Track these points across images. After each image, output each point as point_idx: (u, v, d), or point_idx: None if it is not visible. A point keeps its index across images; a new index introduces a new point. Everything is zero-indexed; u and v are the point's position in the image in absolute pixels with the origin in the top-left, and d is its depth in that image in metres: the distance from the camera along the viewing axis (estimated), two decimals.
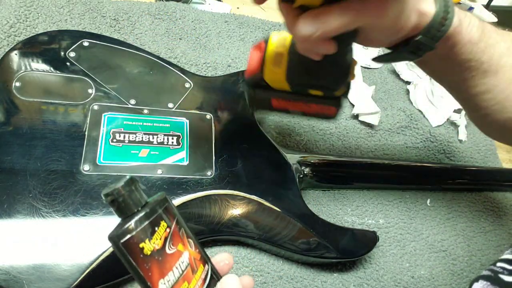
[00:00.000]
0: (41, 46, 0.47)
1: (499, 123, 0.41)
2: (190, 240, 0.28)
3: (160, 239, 0.26)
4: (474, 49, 0.36)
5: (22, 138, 0.41)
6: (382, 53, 0.38)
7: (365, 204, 0.55)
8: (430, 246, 0.54)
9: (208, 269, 0.28)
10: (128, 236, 0.25)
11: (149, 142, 0.45)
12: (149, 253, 0.25)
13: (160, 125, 0.47)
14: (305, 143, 0.58)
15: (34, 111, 0.43)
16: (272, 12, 0.73)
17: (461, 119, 0.67)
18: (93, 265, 0.36)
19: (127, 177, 0.26)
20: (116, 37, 0.54)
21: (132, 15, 0.59)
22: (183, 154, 0.46)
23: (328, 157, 0.56)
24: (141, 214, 0.25)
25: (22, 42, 0.47)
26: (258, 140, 0.50)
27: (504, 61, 0.37)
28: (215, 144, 0.48)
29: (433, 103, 0.68)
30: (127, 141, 0.44)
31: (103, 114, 0.45)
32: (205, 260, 0.29)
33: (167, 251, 0.26)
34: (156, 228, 0.26)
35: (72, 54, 0.48)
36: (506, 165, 0.70)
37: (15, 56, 0.45)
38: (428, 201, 0.59)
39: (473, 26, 0.35)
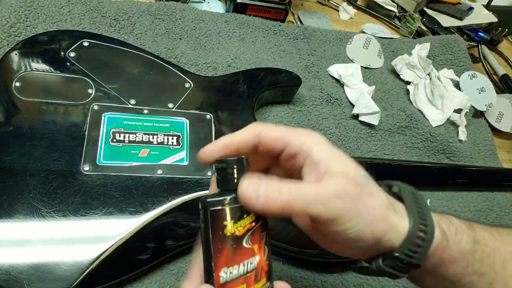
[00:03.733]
0: (41, 46, 0.47)
1: None
2: (266, 247, 0.27)
3: (244, 227, 0.25)
4: (468, 262, 0.30)
5: (22, 138, 0.41)
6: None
7: None
8: None
9: (269, 286, 0.26)
10: (219, 207, 0.25)
11: (149, 142, 0.45)
12: (228, 234, 0.25)
13: (160, 125, 0.47)
14: None
15: (34, 111, 0.43)
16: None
17: (461, 119, 0.67)
18: (93, 265, 0.36)
19: (243, 157, 0.27)
20: (116, 37, 0.54)
21: (132, 15, 0.59)
22: (183, 154, 0.46)
23: None
24: (235, 200, 0.25)
25: (22, 42, 0.47)
26: None
27: (511, 269, 0.31)
28: None
29: (433, 103, 0.68)
30: (127, 141, 0.44)
31: (103, 114, 0.45)
32: (270, 276, 0.27)
33: (244, 244, 0.25)
34: (245, 216, 0.25)
35: (72, 54, 0.48)
36: (506, 165, 0.70)
37: (15, 56, 0.46)
38: (428, 201, 0.58)
39: (461, 237, 0.30)
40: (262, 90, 0.55)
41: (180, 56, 0.58)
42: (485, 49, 0.87)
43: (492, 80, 0.80)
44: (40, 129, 0.42)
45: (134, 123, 0.46)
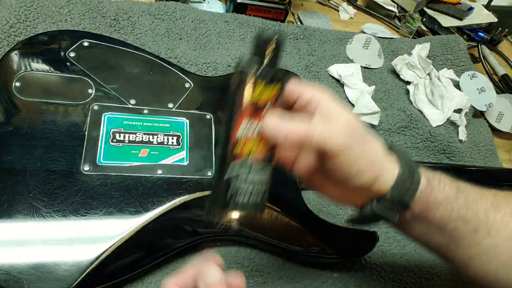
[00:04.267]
0: (41, 46, 0.47)
1: None
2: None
3: (270, 92, 0.29)
4: (452, 207, 0.33)
5: (22, 138, 0.41)
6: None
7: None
8: None
9: (270, 155, 0.31)
10: (256, 68, 0.29)
11: (149, 142, 0.45)
12: (257, 94, 0.29)
13: (160, 125, 0.47)
14: None
15: (34, 111, 0.43)
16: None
17: (461, 119, 0.67)
18: (93, 265, 0.36)
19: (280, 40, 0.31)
20: (116, 37, 0.54)
21: (132, 15, 0.59)
22: (183, 154, 0.46)
23: None
24: (270, 63, 0.29)
25: (22, 42, 0.47)
26: None
27: (493, 217, 0.34)
28: (215, 144, 0.48)
29: (433, 103, 0.68)
30: (127, 141, 0.44)
31: (103, 114, 0.45)
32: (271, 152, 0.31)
33: (267, 106, 0.29)
34: (274, 83, 0.29)
35: (72, 54, 0.48)
36: (506, 165, 0.70)
37: (15, 56, 0.46)
38: None
39: (445, 185, 0.34)
40: None
41: (180, 56, 0.58)
42: (485, 49, 0.87)
43: (492, 80, 0.80)
44: (40, 129, 0.42)
45: (134, 123, 0.46)
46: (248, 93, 0.29)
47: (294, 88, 0.32)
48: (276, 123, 0.30)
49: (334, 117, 0.31)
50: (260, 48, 0.30)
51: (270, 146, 0.31)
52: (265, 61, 0.29)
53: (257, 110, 0.29)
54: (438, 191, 0.33)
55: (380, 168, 0.32)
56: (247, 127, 0.29)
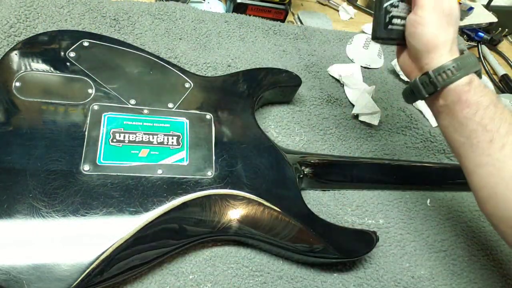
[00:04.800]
0: (41, 46, 0.47)
1: (502, 209, 0.38)
2: None
3: None
4: (479, 112, 0.38)
5: (22, 138, 0.41)
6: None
7: (365, 204, 0.55)
8: (430, 246, 0.54)
9: None
10: None
11: (149, 142, 0.45)
12: None
13: (160, 125, 0.47)
14: (305, 143, 0.58)
15: (34, 111, 0.43)
16: None
17: None
18: (93, 265, 0.36)
19: None
20: (116, 37, 0.54)
21: (132, 15, 0.59)
22: (183, 154, 0.46)
23: (328, 157, 0.56)
24: None
25: (22, 42, 0.47)
26: (258, 140, 0.50)
27: (511, 138, 0.37)
28: (215, 144, 0.48)
29: None
30: (127, 141, 0.44)
31: (103, 114, 0.45)
32: None
33: None
34: None
35: (72, 54, 0.48)
36: None
37: (15, 56, 0.46)
38: (428, 201, 0.58)
39: (484, 94, 0.38)
40: (262, 90, 0.55)
41: (180, 56, 0.58)
42: (485, 49, 0.87)
43: (492, 80, 0.80)
44: (40, 129, 0.42)
45: (134, 123, 0.46)
46: None
47: None
48: None
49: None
50: None
51: None
52: None
53: None
54: (474, 94, 0.38)
55: (437, 46, 0.39)
56: None
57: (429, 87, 0.40)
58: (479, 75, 0.41)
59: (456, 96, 0.39)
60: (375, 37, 0.43)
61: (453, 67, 0.39)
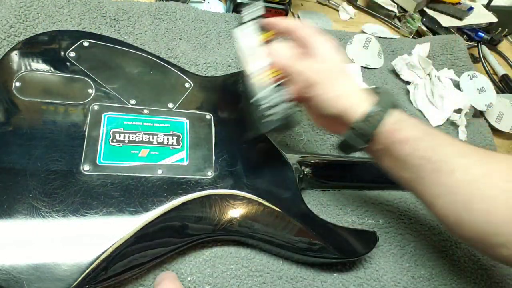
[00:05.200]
0: (41, 46, 0.47)
1: (471, 231, 0.37)
2: None
3: (267, 36, 0.42)
4: (418, 146, 0.37)
5: (22, 138, 0.41)
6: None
7: (365, 204, 0.55)
8: (430, 246, 0.53)
9: (282, 76, 0.41)
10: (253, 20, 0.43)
11: (149, 142, 0.45)
12: (261, 37, 0.42)
13: (160, 125, 0.47)
14: (305, 143, 0.58)
15: (34, 111, 0.43)
16: None
17: (461, 119, 0.67)
18: (93, 265, 0.36)
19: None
20: (116, 37, 0.54)
21: (132, 15, 0.59)
22: (183, 154, 0.46)
23: (328, 157, 0.56)
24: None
25: (22, 42, 0.47)
26: (258, 140, 0.50)
27: (458, 162, 0.37)
28: (215, 144, 0.48)
29: (433, 103, 0.68)
30: (127, 141, 0.44)
31: (103, 114, 0.45)
32: None
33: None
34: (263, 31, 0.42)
35: (72, 54, 0.48)
36: None
37: (15, 56, 0.46)
38: None
39: (416, 127, 0.38)
40: None
41: (180, 56, 0.58)
42: (485, 49, 0.87)
43: (492, 80, 0.80)
44: (40, 129, 0.42)
45: (134, 123, 0.46)
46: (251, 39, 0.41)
47: (288, 26, 0.43)
48: (274, 49, 0.41)
49: (319, 55, 0.40)
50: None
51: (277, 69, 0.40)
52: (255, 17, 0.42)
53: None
54: (406, 129, 0.38)
55: (349, 102, 0.39)
56: (257, 63, 0.40)
57: (360, 138, 0.39)
58: (397, 107, 0.40)
59: (390, 137, 0.38)
60: (255, 135, 0.41)
61: (373, 111, 0.38)
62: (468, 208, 0.37)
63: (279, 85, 0.40)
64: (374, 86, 0.41)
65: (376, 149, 0.40)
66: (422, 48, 0.73)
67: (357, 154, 0.59)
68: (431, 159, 0.37)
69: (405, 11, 0.85)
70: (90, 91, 0.46)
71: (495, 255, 0.38)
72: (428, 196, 0.39)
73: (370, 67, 0.71)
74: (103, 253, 0.37)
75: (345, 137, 0.40)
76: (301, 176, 0.51)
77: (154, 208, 0.41)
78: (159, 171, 0.43)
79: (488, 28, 0.89)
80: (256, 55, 0.42)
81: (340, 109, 0.39)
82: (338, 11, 0.83)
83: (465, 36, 0.88)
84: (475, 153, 0.38)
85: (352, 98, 0.39)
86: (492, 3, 0.90)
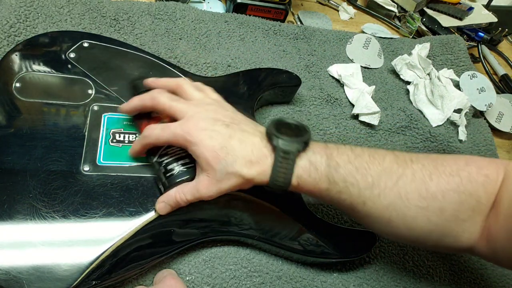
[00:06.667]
0: (41, 47, 0.47)
1: (401, 240, 0.42)
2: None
3: None
4: (324, 195, 0.38)
5: (22, 139, 0.41)
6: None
7: (354, 220, 0.55)
8: None
9: None
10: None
11: None
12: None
13: None
14: None
15: (34, 111, 0.43)
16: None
17: (461, 119, 0.67)
18: (93, 265, 0.36)
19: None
20: (116, 37, 0.55)
21: (132, 15, 0.59)
22: None
23: None
24: None
25: (23, 43, 0.47)
26: None
27: (367, 193, 0.38)
28: None
29: (433, 103, 0.68)
30: (127, 142, 0.44)
31: (103, 115, 0.45)
32: None
33: (153, 114, 0.43)
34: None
35: (72, 55, 0.48)
36: None
37: (15, 57, 0.46)
38: None
39: (319, 180, 0.37)
40: (262, 90, 0.55)
41: (180, 56, 0.58)
42: (485, 49, 0.87)
43: (492, 80, 0.80)
44: (40, 129, 0.42)
45: (134, 123, 0.46)
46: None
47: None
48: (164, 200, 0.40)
49: (200, 165, 0.38)
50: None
51: None
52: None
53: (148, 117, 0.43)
54: (310, 185, 0.38)
55: (243, 180, 0.37)
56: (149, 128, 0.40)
57: (281, 189, 0.38)
58: (303, 147, 0.37)
59: (299, 191, 0.39)
60: (165, 190, 0.40)
61: (276, 178, 0.36)
62: (392, 226, 0.39)
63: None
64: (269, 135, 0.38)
65: (298, 190, 0.40)
66: (422, 48, 0.73)
67: None
68: (340, 198, 0.38)
69: (405, 11, 0.85)
70: (90, 91, 0.46)
71: (432, 250, 0.42)
72: (354, 218, 0.44)
73: (370, 67, 0.71)
74: (103, 253, 0.37)
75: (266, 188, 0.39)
76: None
77: (154, 209, 0.41)
78: None
79: (488, 28, 0.89)
80: None
81: (241, 183, 0.37)
82: (338, 11, 0.83)
83: (465, 36, 0.88)
84: (387, 175, 0.38)
85: (247, 174, 0.37)
86: (492, 3, 0.90)
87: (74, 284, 0.35)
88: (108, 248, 0.37)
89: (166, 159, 0.41)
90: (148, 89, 0.44)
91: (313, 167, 0.37)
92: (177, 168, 0.40)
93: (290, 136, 0.37)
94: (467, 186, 0.37)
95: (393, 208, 0.38)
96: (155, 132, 0.39)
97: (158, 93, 0.41)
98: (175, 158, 0.41)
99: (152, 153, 0.41)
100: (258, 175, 0.37)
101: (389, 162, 0.39)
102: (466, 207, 0.37)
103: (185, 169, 0.40)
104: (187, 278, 0.42)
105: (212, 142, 0.37)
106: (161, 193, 0.41)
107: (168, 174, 0.40)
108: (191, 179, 0.40)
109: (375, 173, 0.38)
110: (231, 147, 0.37)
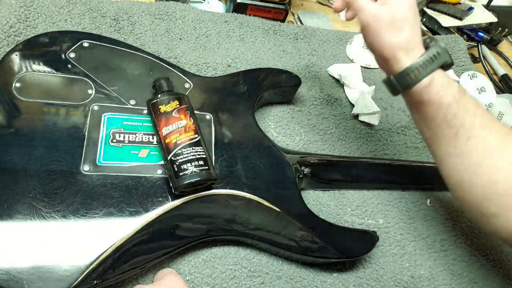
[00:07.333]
0: (41, 47, 0.47)
1: (471, 194, 0.41)
2: (191, 118, 0.45)
3: (171, 107, 0.44)
4: (442, 110, 0.40)
5: (22, 139, 0.41)
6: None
7: (365, 204, 0.55)
8: (430, 246, 0.54)
9: (198, 137, 0.43)
10: (155, 101, 0.45)
11: (148, 142, 0.45)
12: (162, 111, 0.44)
13: None
14: (305, 143, 0.58)
15: (34, 111, 0.43)
16: None
17: None
18: (93, 265, 0.36)
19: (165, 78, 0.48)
20: (116, 37, 0.55)
21: (132, 15, 0.59)
22: None
23: (328, 157, 0.56)
24: (165, 95, 0.45)
25: (23, 43, 0.47)
26: (258, 141, 0.50)
27: (476, 131, 0.40)
28: (215, 144, 0.48)
29: None
30: (127, 142, 0.44)
31: (103, 115, 0.45)
32: (198, 133, 0.44)
33: (173, 114, 0.44)
34: (171, 102, 0.44)
35: (72, 55, 0.48)
36: None
37: (15, 57, 0.46)
38: (428, 201, 0.59)
39: (447, 92, 0.40)
40: (262, 90, 0.55)
41: (180, 56, 0.58)
42: (485, 49, 0.87)
43: (492, 80, 0.80)
44: (40, 129, 0.42)
45: (134, 123, 0.46)
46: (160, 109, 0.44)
47: None
48: None
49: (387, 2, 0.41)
50: (156, 89, 0.47)
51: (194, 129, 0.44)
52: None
53: (167, 117, 0.44)
54: (436, 93, 0.40)
55: (394, 54, 0.41)
56: (166, 130, 0.43)
57: (395, 88, 0.42)
58: (449, 65, 0.41)
59: (419, 97, 0.41)
60: (177, 190, 0.41)
61: (415, 69, 0.40)
62: (473, 172, 0.40)
63: (193, 144, 0.42)
64: (430, 39, 0.43)
65: (407, 101, 0.44)
66: None
67: (357, 154, 0.60)
68: (451, 123, 0.40)
69: None
70: (90, 91, 0.46)
71: (487, 225, 0.41)
72: (440, 153, 0.43)
73: (370, 67, 0.71)
74: (103, 253, 0.37)
75: (386, 81, 0.44)
76: (301, 176, 0.51)
77: (154, 208, 0.41)
78: (159, 171, 0.43)
79: (488, 28, 0.89)
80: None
81: (386, 57, 0.41)
82: None
83: (465, 36, 0.88)
84: (497, 127, 0.40)
85: (400, 51, 0.40)
86: (492, 3, 0.90)
87: (75, 284, 0.35)
88: (108, 248, 0.37)
89: (180, 158, 0.41)
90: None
91: (447, 81, 0.40)
92: (190, 168, 0.41)
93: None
94: None
95: (487, 154, 0.39)
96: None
97: None
98: (189, 159, 0.41)
99: (167, 151, 0.42)
100: (410, 50, 0.40)
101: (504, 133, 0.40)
102: None
103: (198, 171, 0.41)
104: (187, 278, 0.42)
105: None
106: (170, 192, 0.42)
107: (181, 173, 0.41)
108: (203, 181, 0.41)
109: (490, 118, 0.41)
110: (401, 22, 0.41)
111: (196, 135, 0.43)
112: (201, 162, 0.42)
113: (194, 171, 0.41)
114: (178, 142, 0.42)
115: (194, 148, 0.42)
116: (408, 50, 0.41)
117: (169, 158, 0.42)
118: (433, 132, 0.42)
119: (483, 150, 0.39)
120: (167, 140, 0.42)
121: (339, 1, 0.46)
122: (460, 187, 0.42)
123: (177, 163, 0.41)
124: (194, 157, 0.42)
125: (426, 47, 0.41)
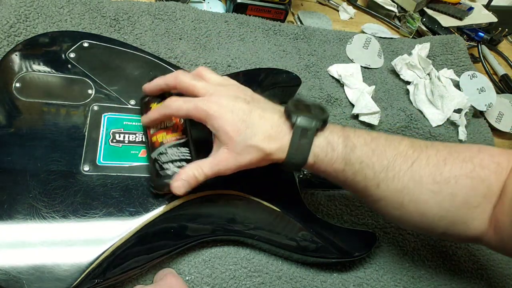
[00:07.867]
0: (41, 47, 0.47)
1: (410, 227, 0.42)
2: (182, 119, 0.43)
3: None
4: (339, 176, 0.39)
5: (22, 139, 0.41)
6: None
7: (365, 204, 0.55)
8: (430, 246, 0.54)
9: (185, 138, 0.42)
10: (147, 99, 0.44)
11: None
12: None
13: None
14: None
15: (34, 111, 0.43)
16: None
17: (461, 119, 0.67)
18: (93, 265, 0.36)
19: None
20: (116, 37, 0.55)
21: (132, 15, 0.59)
22: None
23: None
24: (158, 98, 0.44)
25: (23, 43, 0.47)
26: None
27: (382, 176, 0.38)
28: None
29: (433, 103, 0.68)
30: (127, 142, 0.44)
31: (103, 115, 0.45)
32: (186, 134, 0.43)
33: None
34: (163, 101, 0.41)
35: (72, 55, 0.48)
36: None
37: (15, 57, 0.46)
38: None
39: (335, 160, 0.38)
40: (262, 90, 0.55)
41: (180, 56, 0.58)
42: (485, 49, 0.87)
43: (492, 80, 0.80)
44: (40, 129, 0.42)
45: (134, 123, 0.46)
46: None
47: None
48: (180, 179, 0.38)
49: (219, 142, 0.39)
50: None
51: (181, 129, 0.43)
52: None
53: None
54: (326, 166, 0.38)
55: (264, 154, 0.37)
56: (154, 128, 0.42)
57: (297, 168, 0.40)
58: (321, 126, 0.38)
59: (315, 171, 0.40)
60: (155, 190, 0.41)
61: (292, 158, 0.37)
62: (404, 211, 0.39)
63: (178, 144, 0.41)
64: (291, 108, 0.38)
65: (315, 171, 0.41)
66: (422, 48, 0.73)
67: None
68: (355, 179, 0.39)
69: (405, 11, 0.85)
70: (90, 91, 0.46)
71: (441, 238, 0.42)
72: (366, 201, 0.43)
73: (370, 67, 0.71)
74: (103, 253, 0.37)
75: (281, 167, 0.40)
76: (301, 176, 0.51)
77: (154, 209, 0.41)
78: None
79: (488, 28, 0.89)
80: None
81: (260, 157, 0.38)
82: (338, 11, 0.83)
83: (465, 36, 0.88)
84: (402, 159, 0.38)
85: (266, 145, 0.37)
86: (492, 3, 0.90)
87: (74, 284, 0.35)
88: (108, 248, 0.37)
89: (164, 158, 0.40)
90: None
91: (330, 147, 0.38)
92: (172, 169, 0.40)
93: (309, 115, 0.37)
94: (479, 172, 0.37)
95: (406, 192, 0.38)
96: (177, 103, 0.39)
97: (181, 73, 0.41)
98: (173, 159, 0.40)
99: (152, 149, 0.41)
100: (277, 150, 0.37)
101: (404, 146, 0.39)
102: (477, 193, 0.37)
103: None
104: (187, 278, 0.42)
105: (233, 116, 0.37)
106: (150, 192, 0.42)
107: (161, 173, 0.40)
108: None
109: (391, 156, 0.38)
110: (251, 121, 0.37)
111: (184, 136, 0.42)
112: (183, 164, 0.40)
113: (176, 172, 0.39)
114: (163, 141, 0.41)
115: (179, 148, 0.41)
116: (271, 137, 0.37)
117: (152, 156, 0.41)
118: (349, 189, 0.41)
119: (397, 190, 0.38)
120: (153, 139, 0.42)
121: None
122: (399, 223, 0.42)
123: (160, 162, 0.40)
124: (178, 157, 0.41)
125: (292, 124, 0.37)
